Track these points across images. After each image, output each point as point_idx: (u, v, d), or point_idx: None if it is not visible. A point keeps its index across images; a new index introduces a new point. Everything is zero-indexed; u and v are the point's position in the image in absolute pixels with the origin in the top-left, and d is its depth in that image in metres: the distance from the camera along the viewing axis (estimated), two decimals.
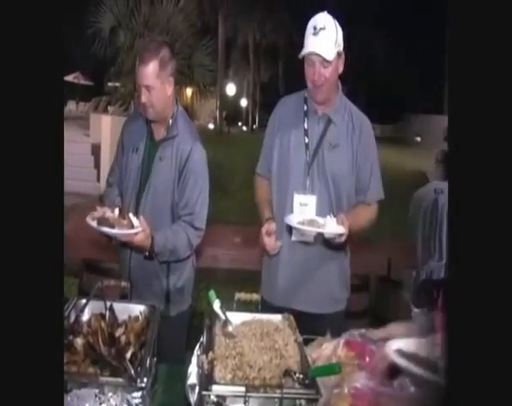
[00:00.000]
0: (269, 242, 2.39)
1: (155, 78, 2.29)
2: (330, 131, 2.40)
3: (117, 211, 2.17)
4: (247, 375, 1.46)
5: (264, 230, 2.39)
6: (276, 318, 1.88)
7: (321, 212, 2.32)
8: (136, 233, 2.12)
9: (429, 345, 1.11)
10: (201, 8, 19.53)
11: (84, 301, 1.83)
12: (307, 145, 2.40)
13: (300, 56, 2.33)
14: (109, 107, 15.15)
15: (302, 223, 2.21)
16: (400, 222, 9.37)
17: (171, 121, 2.42)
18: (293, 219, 2.25)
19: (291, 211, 2.37)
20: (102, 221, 2.10)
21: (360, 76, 41.19)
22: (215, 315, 1.78)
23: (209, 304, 1.86)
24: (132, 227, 2.12)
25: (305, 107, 2.45)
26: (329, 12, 2.39)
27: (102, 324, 1.63)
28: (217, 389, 1.36)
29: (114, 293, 2.07)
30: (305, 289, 2.45)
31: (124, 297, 2.07)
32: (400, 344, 1.10)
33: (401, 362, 1.04)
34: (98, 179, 10.63)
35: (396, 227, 9.17)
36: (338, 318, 2.48)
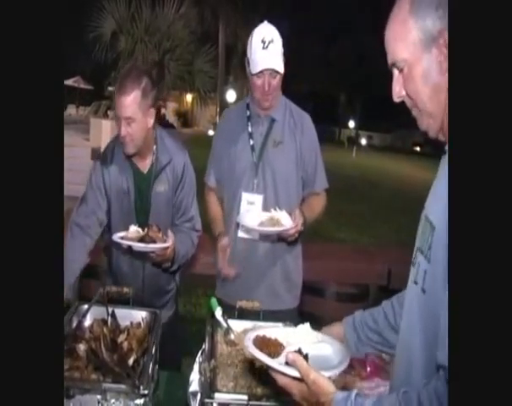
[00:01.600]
0: (223, 261, 2.42)
1: (136, 109, 2.16)
2: (274, 129, 2.46)
3: (139, 229, 2.17)
4: (250, 383, 1.46)
5: (219, 246, 2.42)
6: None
7: (269, 210, 2.34)
8: (168, 247, 2.13)
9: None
10: (202, 15, 19.60)
11: (85, 307, 1.84)
12: (252, 147, 2.46)
13: (253, 72, 2.33)
14: (109, 112, 15.17)
15: (263, 224, 2.25)
16: (401, 232, 9.45)
17: (155, 147, 2.33)
18: (252, 221, 2.28)
19: (239, 211, 2.42)
20: (145, 238, 2.10)
21: (359, 86, 41.38)
22: (216, 323, 1.78)
23: (211, 312, 1.87)
24: (164, 241, 2.13)
25: (248, 113, 2.50)
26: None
27: (105, 330, 1.63)
28: (219, 397, 1.36)
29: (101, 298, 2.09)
30: (247, 285, 2.45)
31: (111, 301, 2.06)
32: (262, 332, 1.24)
33: (252, 351, 1.17)
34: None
35: (396, 237, 9.25)
36: (288, 317, 2.28)
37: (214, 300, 1.86)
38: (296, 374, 1.10)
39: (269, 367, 1.14)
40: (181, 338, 2.65)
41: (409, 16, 1.12)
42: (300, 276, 2.61)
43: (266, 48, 2.31)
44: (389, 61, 1.19)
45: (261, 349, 1.18)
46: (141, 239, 2.11)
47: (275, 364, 1.13)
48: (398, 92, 1.18)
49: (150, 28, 10.43)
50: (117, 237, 2.14)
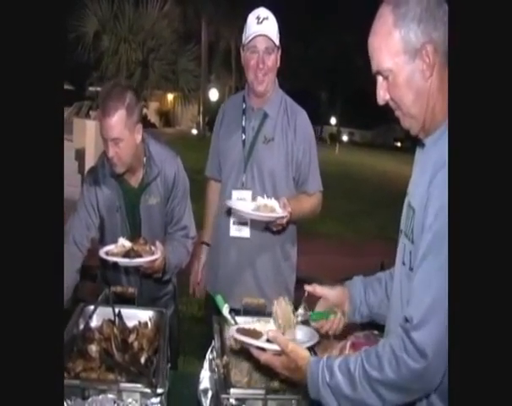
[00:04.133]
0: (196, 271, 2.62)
1: (123, 128, 2.08)
2: (266, 125, 2.42)
3: (126, 242, 2.11)
4: (265, 377, 1.48)
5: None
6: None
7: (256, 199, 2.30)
8: (156, 259, 2.08)
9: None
10: (185, 14, 19.53)
11: (91, 308, 1.83)
12: (243, 142, 2.43)
13: (245, 41, 2.34)
14: (91, 112, 15.00)
15: (258, 210, 2.17)
16: (385, 226, 9.55)
17: (145, 159, 2.29)
18: (246, 206, 2.20)
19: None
20: (130, 252, 2.04)
21: (339, 82, 41.58)
22: (223, 320, 1.79)
23: (217, 309, 1.87)
24: (152, 253, 2.08)
25: (243, 105, 2.48)
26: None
27: (115, 330, 1.64)
28: (236, 392, 1.37)
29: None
30: (238, 285, 2.44)
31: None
32: (242, 326, 1.49)
33: (239, 337, 1.39)
34: (82, 185, 10.50)
35: (381, 231, 9.35)
36: None
37: (219, 298, 1.86)
38: (276, 348, 1.31)
39: (253, 347, 1.35)
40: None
41: (393, 29, 1.21)
42: (292, 277, 2.57)
43: (261, 23, 2.31)
44: (374, 68, 1.28)
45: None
46: (126, 254, 2.05)
47: (259, 342, 1.35)
48: (382, 96, 1.28)
49: (134, 27, 10.33)
50: (102, 252, 2.09)
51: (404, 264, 1.31)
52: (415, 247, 1.22)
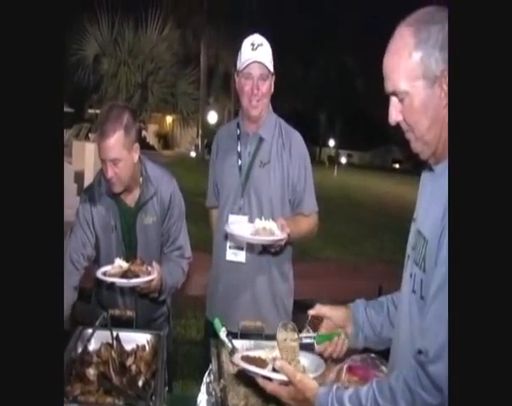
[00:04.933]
0: None
1: (121, 149, 2.11)
2: (262, 149, 2.45)
3: (123, 263, 2.13)
4: (261, 401, 1.48)
5: None
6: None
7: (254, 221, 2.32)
8: (153, 279, 2.10)
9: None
10: (184, 37, 19.76)
11: (89, 331, 1.83)
12: (240, 167, 2.46)
13: (240, 68, 2.37)
14: (90, 135, 15.09)
15: (257, 233, 2.18)
16: (384, 248, 9.54)
17: (141, 179, 2.31)
18: (244, 231, 2.22)
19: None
20: (127, 273, 2.05)
21: (338, 104, 41.91)
22: (221, 343, 1.79)
23: (214, 332, 1.88)
24: (148, 274, 2.10)
25: (238, 132, 2.51)
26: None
27: (113, 353, 1.64)
28: None
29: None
30: (236, 308, 2.43)
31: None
32: (246, 353, 1.47)
33: (243, 365, 1.36)
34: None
35: (380, 254, 9.35)
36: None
37: (217, 321, 1.86)
38: (284, 378, 1.27)
39: (259, 376, 1.31)
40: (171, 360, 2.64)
41: (414, 51, 1.18)
42: (290, 299, 2.57)
43: (255, 50, 2.35)
44: (389, 89, 1.24)
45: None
46: (123, 275, 2.07)
47: (266, 372, 1.31)
48: (395, 117, 1.25)
49: (134, 50, 10.47)
50: (99, 273, 2.11)
51: (414, 292, 1.28)
52: (426, 276, 1.21)
